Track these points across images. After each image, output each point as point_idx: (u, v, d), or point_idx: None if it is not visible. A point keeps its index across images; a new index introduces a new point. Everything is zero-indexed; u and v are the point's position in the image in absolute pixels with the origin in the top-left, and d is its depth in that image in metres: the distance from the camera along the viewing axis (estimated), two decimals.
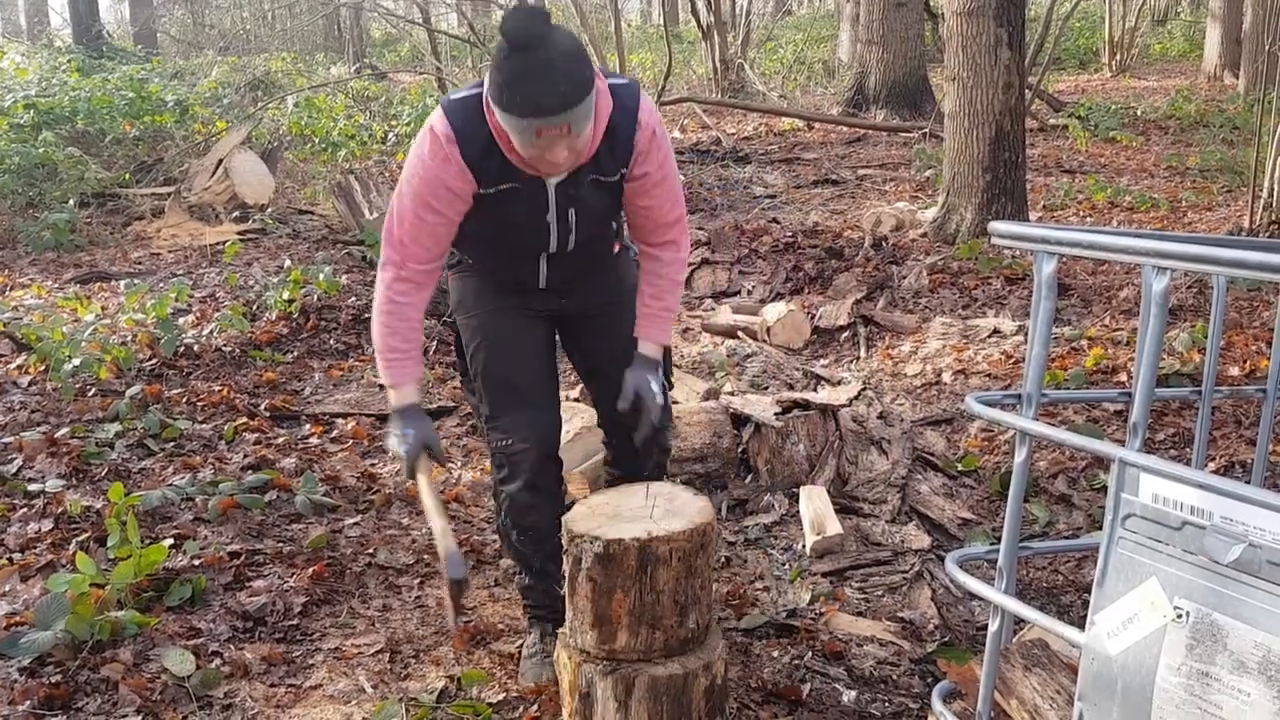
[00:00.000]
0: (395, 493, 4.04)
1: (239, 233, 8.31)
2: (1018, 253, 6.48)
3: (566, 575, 2.46)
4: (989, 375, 4.93)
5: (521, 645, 2.98)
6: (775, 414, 4.06)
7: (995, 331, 5.45)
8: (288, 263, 6.93)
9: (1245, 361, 4.77)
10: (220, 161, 9.03)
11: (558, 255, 2.69)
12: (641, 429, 2.71)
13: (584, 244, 2.69)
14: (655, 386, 2.70)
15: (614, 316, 2.81)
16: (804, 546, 3.61)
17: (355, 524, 3.77)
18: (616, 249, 2.89)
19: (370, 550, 3.57)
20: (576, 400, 4.45)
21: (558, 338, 2.93)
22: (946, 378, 5.01)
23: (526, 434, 2.70)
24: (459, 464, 4.35)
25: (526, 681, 2.84)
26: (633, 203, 2.67)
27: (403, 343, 2.61)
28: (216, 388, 5.02)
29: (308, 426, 4.69)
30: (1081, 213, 8.39)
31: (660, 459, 2.97)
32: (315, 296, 6.16)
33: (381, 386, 5.18)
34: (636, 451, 2.81)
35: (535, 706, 2.74)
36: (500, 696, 2.79)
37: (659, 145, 2.58)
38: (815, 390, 4.80)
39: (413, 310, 2.61)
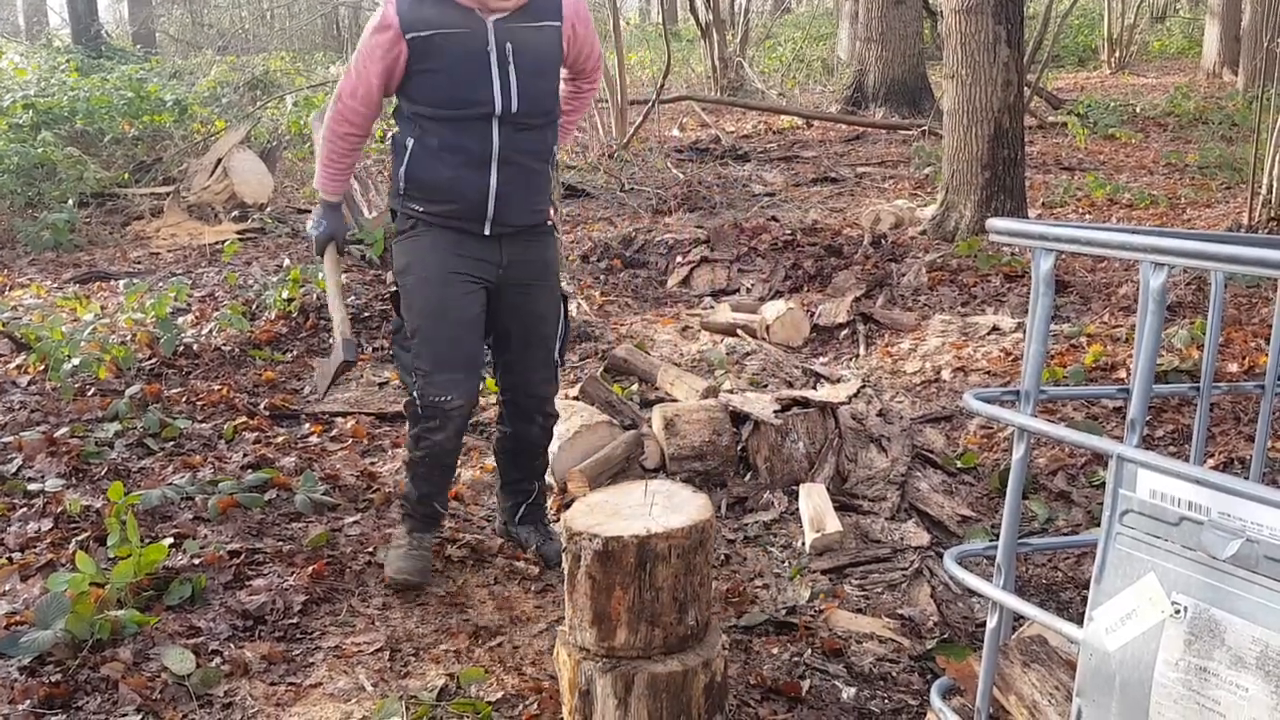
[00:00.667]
0: (395, 491, 4.04)
1: (238, 232, 8.31)
2: (1017, 250, 6.48)
3: (566, 573, 2.47)
4: (988, 372, 4.94)
5: (393, 541, 3.41)
6: (774, 412, 4.06)
7: (994, 329, 5.46)
8: (287, 262, 6.93)
9: (1244, 358, 4.77)
10: (219, 161, 9.03)
11: (505, 154, 3.05)
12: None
13: (528, 126, 3.06)
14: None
15: (536, 298, 3.25)
16: (803, 544, 3.61)
17: (355, 522, 3.78)
18: (550, 213, 3.28)
19: (370, 549, 3.57)
20: (576, 399, 4.45)
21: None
22: (946, 375, 5.01)
23: (462, 393, 3.14)
24: (459, 462, 4.34)
25: (390, 571, 3.29)
26: (571, 53, 3.17)
27: (340, 159, 3.23)
28: (216, 387, 5.02)
29: (307, 425, 4.69)
30: (1080, 210, 8.39)
31: (547, 423, 3.44)
32: (315, 295, 6.15)
33: (381, 385, 5.22)
34: (526, 417, 3.39)
35: (535, 704, 2.74)
36: (500, 694, 2.79)
37: (583, 8, 3.16)
38: (814, 388, 4.80)
39: (353, 140, 3.21)
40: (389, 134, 3.30)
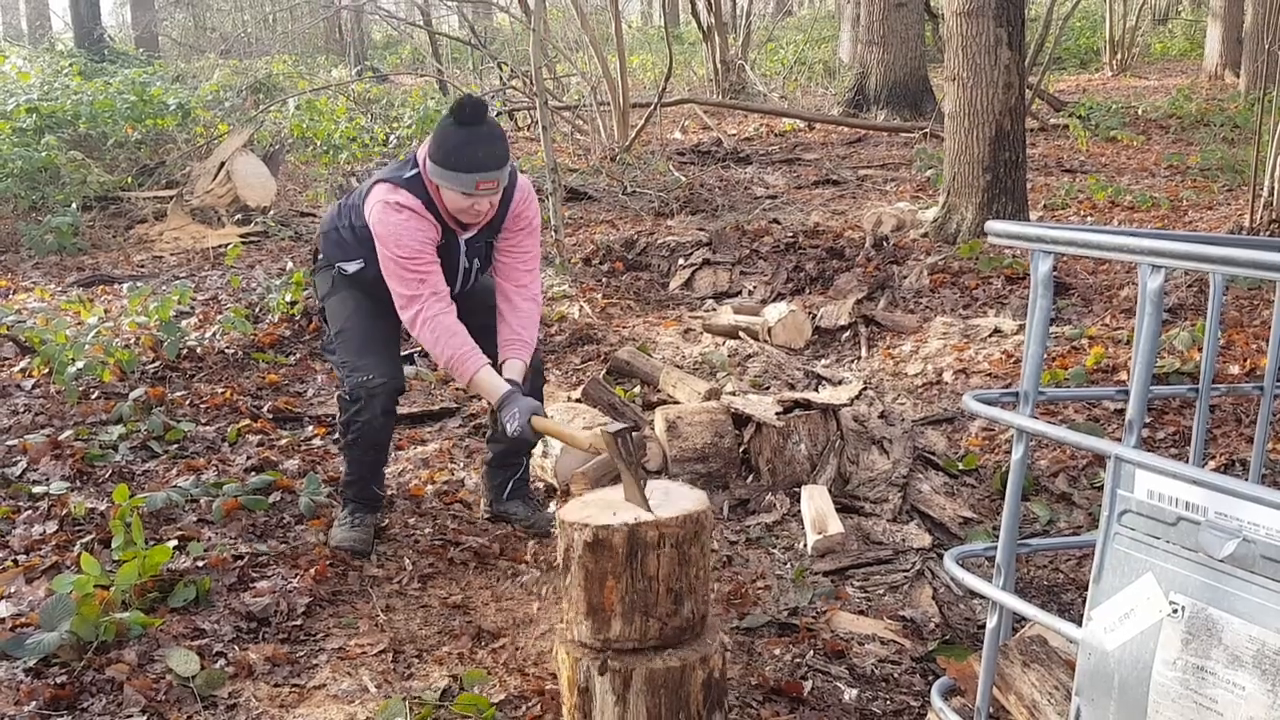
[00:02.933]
0: (397, 493, 4.05)
1: (241, 235, 8.33)
2: (1018, 252, 6.49)
3: (560, 566, 2.48)
4: (990, 375, 4.94)
5: (336, 520, 3.63)
6: (777, 414, 4.07)
7: (996, 331, 5.46)
8: (290, 265, 6.95)
9: (1245, 360, 4.78)
10: (222, 164, 9.06)
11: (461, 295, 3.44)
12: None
13: (473, 285, 3.52)
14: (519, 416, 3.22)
15: (482, 292, 3.54)
16: (805, 546, 3.62)
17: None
18: None
19: (372, 551, 3.58)
20: (578, 401, 4.46)
21: None
22: (947, 377, 5.02)
23: (384, 373, 3.44)
24: (462, 465, 4.36)
25: (335, 541, 3.54)
26: (506, 248, 3.49)
27: (465, 342, 3.23)
28: (219, 390, 5.04)
29: (310, 428, 4.70)
30: (1082, 212, 8.40)
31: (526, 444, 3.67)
32: (317, 299, 6.17)
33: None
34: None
35: (538, 705, 2.75)
36: (503, 695, 2.80)
37: (530, 203, 3.49)
38: (816, 390, 4.81)
39: (455, 318, 3.26)
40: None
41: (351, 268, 3.49)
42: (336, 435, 3.70)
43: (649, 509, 2.48)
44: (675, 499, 2.55)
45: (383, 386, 3.45)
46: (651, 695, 2.40)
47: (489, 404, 3.53)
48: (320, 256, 3.64)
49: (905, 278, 6.55)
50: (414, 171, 3.28)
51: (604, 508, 2.51)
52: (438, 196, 3.25)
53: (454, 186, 3.17)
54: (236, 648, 2.99)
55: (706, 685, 2.46)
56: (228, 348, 5.59)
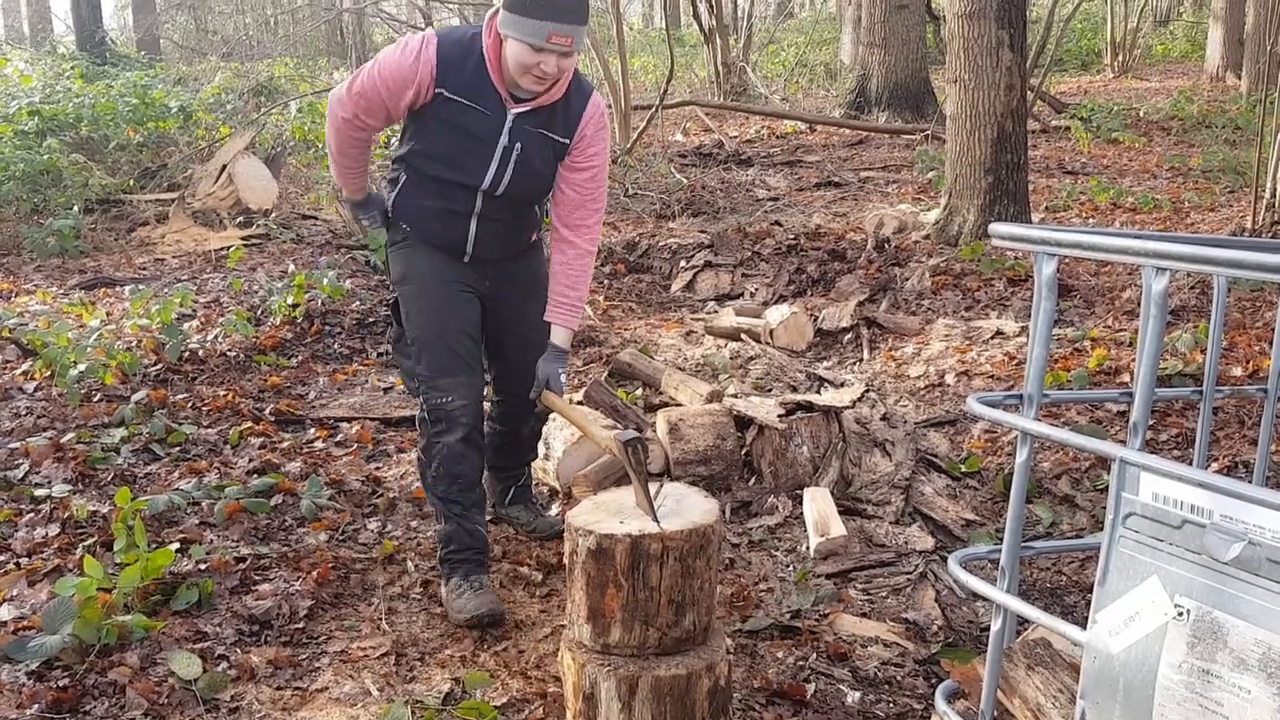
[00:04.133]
0: (400, 496, 4.05)
1: (243, 238, 8.33)
2: (1020, 254, 6.48)
3: (566, 567, 2.48)
4: (992, 377, 4.94)
5: (448, 592, 3.21)
6: (779, 416, 4.06)
7: (998, 333, 5.46)
8: (292, 267, 6.95)
9: (1248, 362, 4.77)
10: (224, 167, 9.06)
11: (485, 213, 3.13)
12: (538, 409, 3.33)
13: (510, 202, 3.13)
14: (563, 378, 3.20)
15: (528, 310, 3.29)
16: (808, 548, 3.62)
17: (360, 528, 3.79)
18: (534, 238, 3.35)
19: (375, 554, 3.58)
20: (580, 404, 4.46)
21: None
22: (949, 379, 5.02)
23: (466, 394, 3.14)
24: None
25: (464, 615, 3.10)
26: (571, 177, 3.15)
27: (355, 161, 3.21)
28: (221, 392, 5.03)
29: (312, 430, 4.70)
30: (1084, 214, 8.40)
31: (537, 425, 3.62)
32: (319, 301, 6.18)
33: (386, 390, 5.23)
34: (520, 419, 3.49)
35: (540, 708, 2.75)
36: (505, 699, 2.80)
37: (604, 134, 3.15)
38: (818, 392, 4.81)
39: (361, 142, 3.16)
40: (392, 139, 3.34)
41: (394, 190, 3.21)
42: (421, 478, 3.31)
43: (656, 519, 2.48)
44: (686, 508, 2.54)
45: (464, 411, 3.13)
46: (657, 703, 2.40)
47: (491, 405, 3.51)
48: (389, 224, 3.30)
49: (907, 280, 6.55)
50: (474, 29, 3.01)
51: (613, 513, 2.51)
52: (495, 54, 2.93)
53: (522, 36, 2.81)
54: (239, 650, 2.99)
55: (712, 693, 2.46)
56: (230, 350, 5.58)
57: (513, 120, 3.00)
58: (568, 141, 3.09)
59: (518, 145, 3.02)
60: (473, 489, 3.21)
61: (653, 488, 2.65)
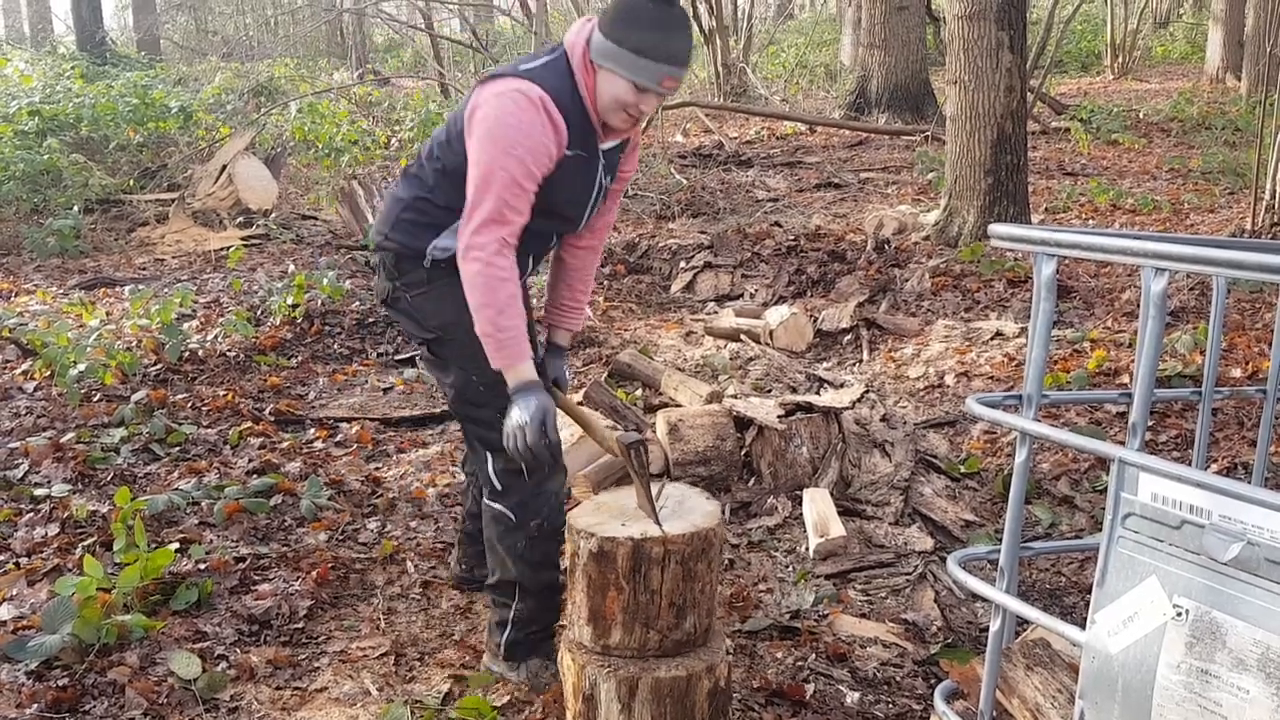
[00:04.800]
0: (400, 496, 4.05)
1: (243, 238, 8.34)
2: (1019, 255, 6.49)
3: (567, 569, 2.48)
4: (991, 378, 4.94)
5: (528, 673, 2.85)
6: (778, 417, 4.07)
7: (998, 334, 5.46)
8: (291, 268, 6.95)
9: (1247, 363, 4.78)
10: (224, 167, 9.06)
11: (552, 247, 2.87)
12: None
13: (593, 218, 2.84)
14: (569, 375, 3.02)
15: None
16: (807, 549, 3.62)
17: (360, 528, 3.79)
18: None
19: (374, 554, 3.58)
20: (579, 404, 4.46)
21: None
22: (949, 380, 5.02)
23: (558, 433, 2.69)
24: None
25: (555, 684, 2.77)
26: (610, 189, 2.85)
27: (518, 317, 2.53)
28: (221, 392, 5.04)
29: (312, 431, 4.70)
30: (1084, 215, 8.40)
31: None
32: (319, 301, 6.18)
33: (386, 390, 5.23)
34: None
35: (540, 709, 2.75)
36: (505, 699, 2.80)
37: (638, 146, 2.92)
38: (818, 393, 4.81)
39: (516, 281, 2.55)
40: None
41: (450, 239, 2.63)
42: (503, 547, 2.77)
43: (658, 521, 2.47)
44: (688, 510, 2.53)
45: (560, 447, 2.66)
46: (657, 704, 2.40)
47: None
48: (399, 261, 2.73)
49: (907, 281, 6.55)
50: (548, 58, 2.58)
51: (615, 515, 2.50)
52: (589, 86, 2.55)
53: (631, 75, 2.48)
54: (238, 650, 2.99)
55: (712, 694, 2.46)
56: (229, 350, 5.59)
57: (604, 157, 2.71)
58: (622, 155, 2.84)
59: (605, 179, 2.76)
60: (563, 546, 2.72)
61: (654, 488, 2.64)
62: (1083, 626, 1.71)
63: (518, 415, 2.52)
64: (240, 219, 8.81)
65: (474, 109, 2.54)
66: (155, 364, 5.36)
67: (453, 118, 2.69)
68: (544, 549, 2.75)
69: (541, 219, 2.64)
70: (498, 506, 2.73)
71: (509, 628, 2.84)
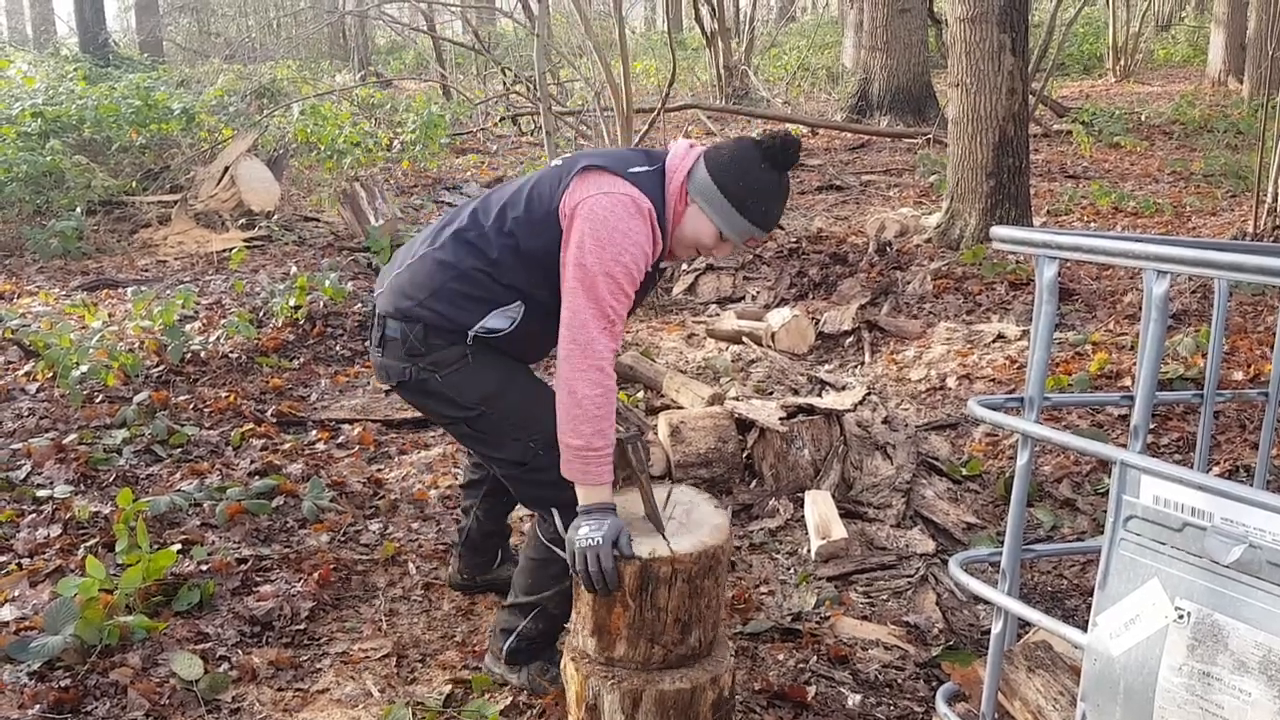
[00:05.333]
0: (402, 498, 4.05)
1: (245, 240, 8.34)
2: (1022, 258, 6.49)
3: (572, 579, 2.46)
4: (993, 380, 4.94)
5: (532, 675, 2.85)
6: (780, 419, 4.07)
7: (1000, 336, 5.46)
8: (294, 269, 6.95)
9: (1249, 366, 4.77)
10: (226, 169, 9.07)
11: None
12: None
13: None
14: None
15: None
16: (809, 551, 3.62)
17: (361, 529, 3.79)
18: None
19: (376, 555, 3.59)
20: None
21: None
22: (951, 383, 5.02)
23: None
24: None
25: (557, 686, 2.77)
26: None
27: (610, 439, 2.43)
28: (223, 394, 5.04)
29: (314, 432, 4.71)
30: (1085, 218, 8.40)
31: None
32: (321, 303, 6.18)
33: (388, 391, 5.23)
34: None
35: (541, 712, 2.75)
36: (507, 701, 2.80)
37: None
38: (820, 395, 4.81)
39: (616, 396, 2.47)
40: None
41: (503, 321, 2.54)
42: (542, 577, 2.74)
43: (663, 529, 2.44)
44: (696, 522, 2.50)
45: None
46: (660, 716, 2.38)
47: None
48: (430, 334, 2.55)
49: (909, 283, 6.55)
50: (651, 169, 2.53)
51: (624, 522, 2.48)
52: (677, 212, 2.54)
53: (723, 225, 2.50)
54: (240, 652, 2.99)
55: (716, 705, 2.44)
56: (231, 352, 5.59)
57: (655, 273, 2.66)
58: None
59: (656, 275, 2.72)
60: None
61: (660, 492, 2.62)
62: (1084, 629, 1.71)
63: (588, 533, 2.37)
64: (242, 221, 8.81)
65: (582, 205, 2.42)
66: (157, 365, 5.37)
67: (533, 191, 2.55)
68: (571, 584, 2.62)
69: None
70: (559, 551, 2.60)
71: (515, 637, 2.83)
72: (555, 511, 2.60)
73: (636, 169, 2.50)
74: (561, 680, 2.67)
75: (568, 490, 2.47)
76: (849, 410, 4.27)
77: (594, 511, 2.42)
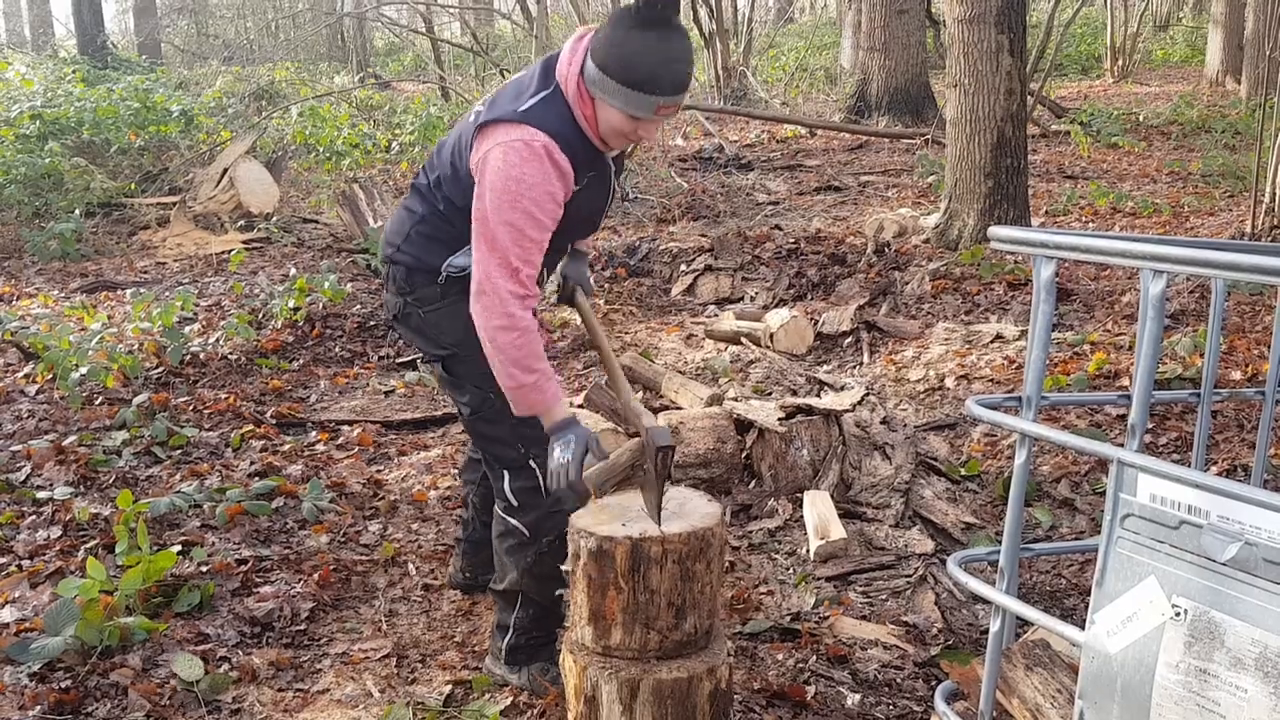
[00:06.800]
0: (401, 499, 4.06)
1: (244, 241, 8.35)
2: (1020, 258, 6.49)
3: (569, 570, 2.48)
4: (992, 380, 4.95)
5: (529, 677, 2.87)
6: (779, 419, 4.07)
7: (998, 337, 5.47)
8: (293, 271, 6.96)
9: (1247, 365, 4.78)
10: (225, 171, 9.08)
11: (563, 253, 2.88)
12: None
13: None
14: (591, 279, 3.02)
15: None
16: (808, 551, 3.63)
17: (361, 530, 3.80)
18: None
19: (376, 556, 3.59)
20: (580, 407, 4.47)
21: None
22: (949, 383, 5.03)
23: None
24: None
25: (558, 686, 2.75)
26: None
27: (539, 361, 2.52)
28: (223, 395, 5.05)
29: (314, 433, 4.71)
30: (1084, 218, 8.41)
31: None
32: (320, 304, 6.19)
33: (388, 393, 5.24)
34: None
35: (542, 711, 2.75)
36: (508, 701, 2.81)
37: None
38: (818, 396, 4.81)
39: (533, 327, 2.53)
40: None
41: (468, 259, 2.60)
42: (512, 559, 2.81)
43: (659, 521, 2.47)
44: (689, 512, 2.53)
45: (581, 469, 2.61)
46: (658, 705, 2.40)
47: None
48: (411, 275, 2.72)
49: (907, 284, 6.56)
50: (544, 93, 2.51)
51: (617, 515, 2.50)
52: (588, 115, 2.51)
53: (626, 107, 2.44)
54: (240, 652, 3.00)
55: (713, 696, 2.46)
56: (231, 353, 5.60)
57: (613, 164, 2.71)
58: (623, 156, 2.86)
59: (616, 180, 2.77)
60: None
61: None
62: (1082, 627, 1.72)
63: (559, 454, 2.50)
64: (241, 222, 8.82)
65: (481, 161, 2.49)
66: (157, 367, 5.37)
67: (456, 146, 2.64)
68: (551, 563, 2.72)
69: (562, 237, 2.66)
70: (512, 522, 2.74)
71: (510, 633, 2.87)
72: (506, 474, 2.72)
73: (531, 100, 2.51)
74: (562, 680, 2.65)
75: (515, 450, 2.66)
76: (848, 410, 4.28)
77: (558, 430, 2.54)
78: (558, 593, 2.83)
